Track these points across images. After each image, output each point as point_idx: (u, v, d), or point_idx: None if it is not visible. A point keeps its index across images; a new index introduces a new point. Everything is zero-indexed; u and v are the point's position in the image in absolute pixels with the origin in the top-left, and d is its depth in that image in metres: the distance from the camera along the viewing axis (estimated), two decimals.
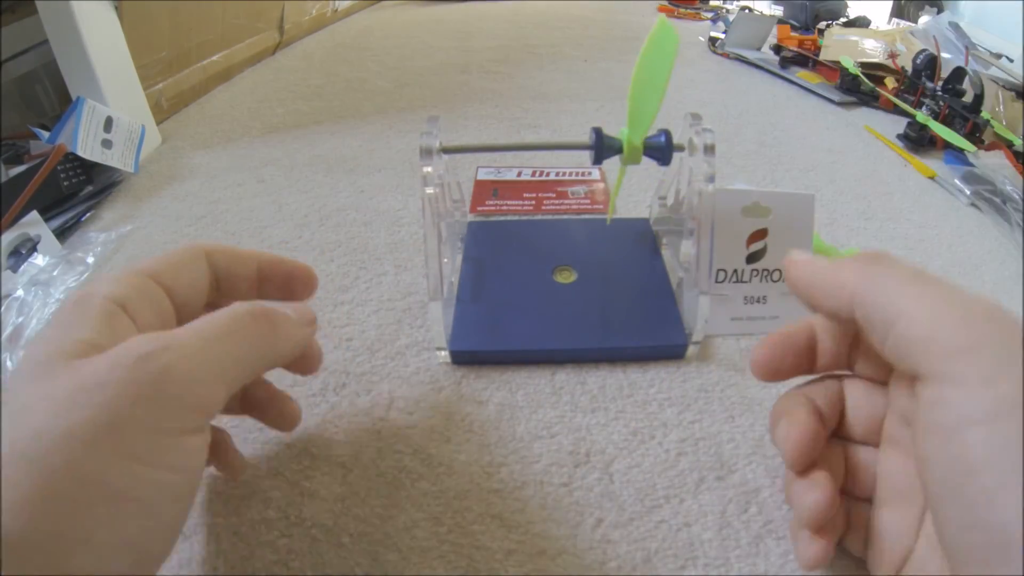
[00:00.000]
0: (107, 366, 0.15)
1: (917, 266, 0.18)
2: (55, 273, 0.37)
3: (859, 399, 0.21)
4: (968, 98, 0.59)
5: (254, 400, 0.24)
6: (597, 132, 0.29)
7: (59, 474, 0.14)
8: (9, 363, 0.30)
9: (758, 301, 0.33)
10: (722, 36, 0.85)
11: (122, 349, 0.16)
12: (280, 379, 0.29)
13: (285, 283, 0.24)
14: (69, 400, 0.15)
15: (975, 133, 0.56)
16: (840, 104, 0.67)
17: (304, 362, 0.24)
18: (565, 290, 0.34)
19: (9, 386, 0.16)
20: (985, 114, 0.57)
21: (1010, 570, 0.13)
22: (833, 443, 0.22)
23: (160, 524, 0.16)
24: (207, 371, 0.17)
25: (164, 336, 0.17)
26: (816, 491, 0.20)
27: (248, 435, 0.27)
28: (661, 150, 0.29)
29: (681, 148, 0.30)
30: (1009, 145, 0.55)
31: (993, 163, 0.51)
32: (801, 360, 0.22)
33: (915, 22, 1.01)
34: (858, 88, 0.68)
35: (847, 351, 0.22)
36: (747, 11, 0.90)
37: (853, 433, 0.22)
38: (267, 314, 0.20)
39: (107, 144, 0.46)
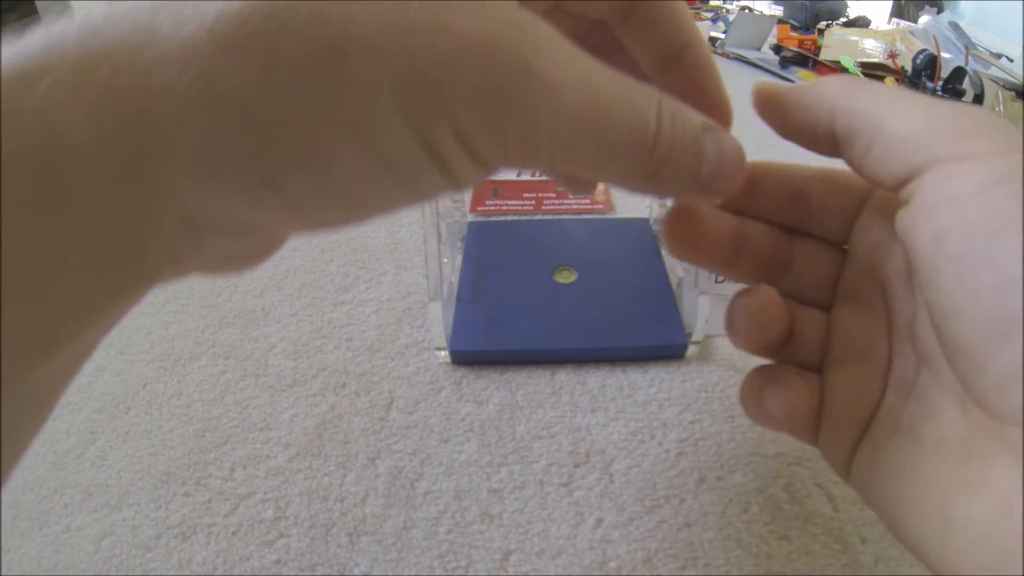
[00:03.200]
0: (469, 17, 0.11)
1: None
2: None
3: (808, 254, 0.20)
4: (968, 98, 0.59)
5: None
6: None
7: None
8: None
9: None
10: (722, 36, 0.85)
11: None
12: (278, 375, 0.30)
13: (692, 92, 0.17)
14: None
15: None
16: None
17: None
18: (565, 290, 0.34)
19: None
20: None
21: (1018, 303, 0.12)
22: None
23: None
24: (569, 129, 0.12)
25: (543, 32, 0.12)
26: (758, 291, 0.18)
27: (248, 435, 0.27)
28: None
29: None
30: None
31: None
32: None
33: (915, 22, 1.01)
34: None
35: (792, 204, 0.20)
36: (747, 11, 0.90)
37: (798, 289, 0.20)
38: (671, 147, 0.14)
39: None
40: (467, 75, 0.11)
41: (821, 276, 0.20)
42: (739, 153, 0.16)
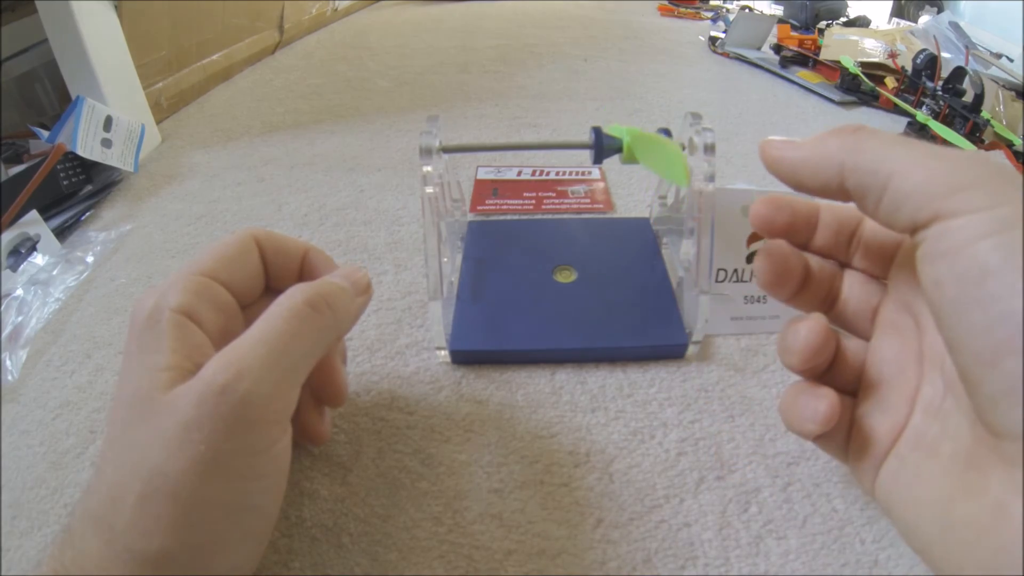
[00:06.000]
0: (196, 403, 0.17)
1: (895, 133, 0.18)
2: (54, 272, 0.37)
3: (854, 287, 0.22)
4: (968, 98, 0.59)
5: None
6: (597, 131, 0.29)
7: (188, 503, 0.17)
8: (8, 363, 0.30)
9: (758, 301, 0.33)
10: (722, 36, 0.85)
11: (203, 384, 0.17)
12: None
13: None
14: (177, 440, 0.17)
15: (975, 133, 0.56)
16: (840, 104, 0.67)
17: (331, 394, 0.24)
18: (565, 290, 0.34)
19: (117, 422, 0.18)
20: (985, 114, 0.57)
21: (1003, 335, 0.14)
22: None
23: (268, 515, 0.20)
24: (280, 384, 0.19)
25: (235, 360, 0.18)
26: (813, 319, 0.21)
27: None
28: None
29: (681, 147, 0.30)
30: (1009, 145, 0.55)
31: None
32: (797, 224, 0.23)
33: (915, 22, 1.01)
34: (858, 88, 0.68)
35: (847, 241, 0.23)
36: (747, 10, 0.90)
37: (843, 318, 0.23)
38: (325, 299, 0.21)
39: (107, 143, 0.46)
40: None
41: (863, 308, 0.22)
42: (364, 284, 0.24)
